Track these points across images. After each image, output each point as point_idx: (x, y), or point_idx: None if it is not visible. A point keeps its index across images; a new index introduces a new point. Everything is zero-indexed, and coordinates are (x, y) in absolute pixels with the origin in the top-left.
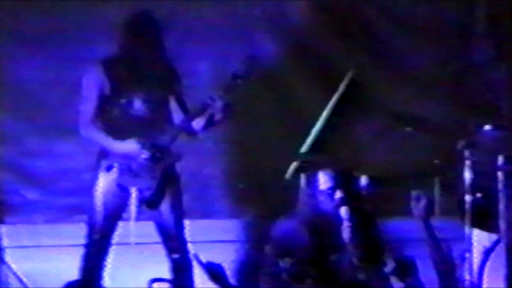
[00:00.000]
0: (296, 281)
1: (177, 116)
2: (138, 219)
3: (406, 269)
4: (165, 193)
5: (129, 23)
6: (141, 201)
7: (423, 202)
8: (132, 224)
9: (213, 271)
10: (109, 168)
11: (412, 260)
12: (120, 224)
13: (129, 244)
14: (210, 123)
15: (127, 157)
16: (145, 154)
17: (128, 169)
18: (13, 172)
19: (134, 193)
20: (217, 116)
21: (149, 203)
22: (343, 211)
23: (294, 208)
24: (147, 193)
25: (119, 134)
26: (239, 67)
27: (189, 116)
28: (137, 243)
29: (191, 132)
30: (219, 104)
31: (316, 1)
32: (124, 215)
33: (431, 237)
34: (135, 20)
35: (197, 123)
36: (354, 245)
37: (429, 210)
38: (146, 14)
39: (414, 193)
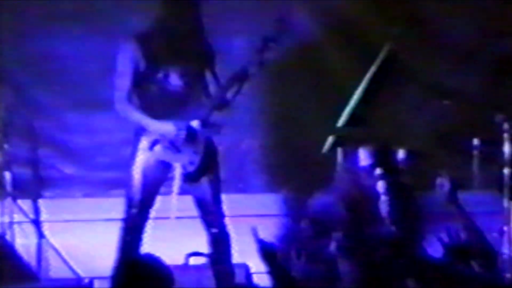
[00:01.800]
0: (346, 254)
1: (213, 89)
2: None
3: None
4: (206, 167)
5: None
6: (184, 176)
7: (446, 187)
8: (174, 199)
9: (266, 250)
10: (152, 146)
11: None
12: (161, 198)
13: (169, 218)
14: (241, 89)
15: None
16: (182, 135)
17: (171, 145)
18: (51, 146)
19: (177, 168)
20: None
21: (192, 177)
22: (381, 185)
23: (332, 182)
24: (190, 168)
25: (155, 109)
26: (269, 30)
27: (223, 85)
28: (177, 217)
29: (226, 102)
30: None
31: None
32: (165, 190)
33: (464, 219)
34: None
35: (230, 93)
36: (393, 220)
37: (454, 194)
38: None
39: (438, 179)
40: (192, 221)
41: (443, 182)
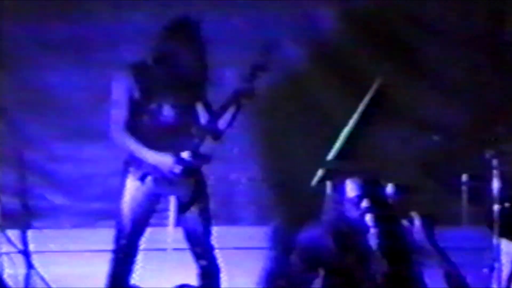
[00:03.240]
0: None
1: (205, 119)
2: (164, 225)
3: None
4: (197, 197)
5: (169, 27)
6: (180, 207)
7: (417, 223)
8: (171, 230)
9: None
10: (143, 178)
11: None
12: (155, 230)
13: (164, 250)
14: (234, 118)
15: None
16: (178, 169)
17: (163, 177)
18: (40, 177)
19: (172, 200)
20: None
21: (185, 208)
22: (369, 218)
23: (320, 215)
24: (183, 199)
25: (147, 140)
26: (257, 58)
27: (214, 114)
28: (162, 249)
29: (217, 132)
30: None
31: (344, 9)
32: (156, 221)
33: (439, 256)
34: (177, 25)
35: (222, 122)
36: (381, 253)
37: (428, 229)
38: (189, 21)
39: (405, 221)
40: (181, 253)
41: (413, 221)
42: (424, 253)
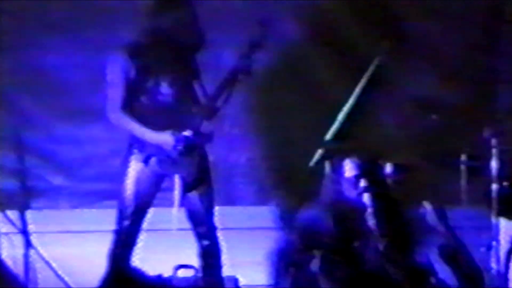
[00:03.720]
0: (325, 273)
1: (203, 97)
2: (165, 205)
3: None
4: (201, 177)
5: (156, 3)
6: (185, 187)
7: (429, 208)
8: (176, 210)
9: None
10: (147, 159)
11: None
12: (158, 210)
13: (168, 230)
14: (230, 96)
15: (162, 147)
16: (180, 146)
17: (168, 157)
18: (39, 157)
19: (176, 180)
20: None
21: (192, 188)
22: (367, 198)
23: (319, 195)
24: (189, 179)
25: (147, 119)
26: (253, 35)
27: (213, 94)
28: (166, 230)
29: (215, 110)
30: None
31: None
32: (159, 202)
33: (449, 236)
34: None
35: (220, 101)
36: (379, 232)
37: (441, 214)
38: None
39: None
40: (183, 233)
41: (426, 209)
42: (435, 234)
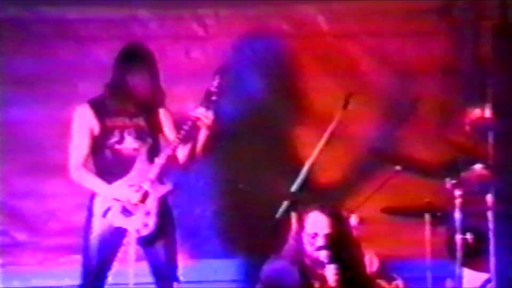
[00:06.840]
0: None
1: (164, 148)
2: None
3: None
4: (160, 229)
5: (120, 56)
6: (139, 239)
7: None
8: (131, 265)
9: None
10: (105, 213)
11: None
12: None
13: (127, 285)
14: (194, 150)
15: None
16: (135, 197)
17: (123, 209)
18: (3, 213)
19: (131, 232)
20: (203, 133)
21: (147, 241)
22: (323, 255)
23: (285, 247)
24: (144, 231)
25: (110, 172)
26: (211, 83)
27: (173, 141)
28: (135, 284)
29: (180, 161)
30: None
31: (302, 40)
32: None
33: None
34: (127, 52)
35: (182, 152)
36: (340, 285)
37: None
38: (138, 47)
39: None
40: None
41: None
42: None
